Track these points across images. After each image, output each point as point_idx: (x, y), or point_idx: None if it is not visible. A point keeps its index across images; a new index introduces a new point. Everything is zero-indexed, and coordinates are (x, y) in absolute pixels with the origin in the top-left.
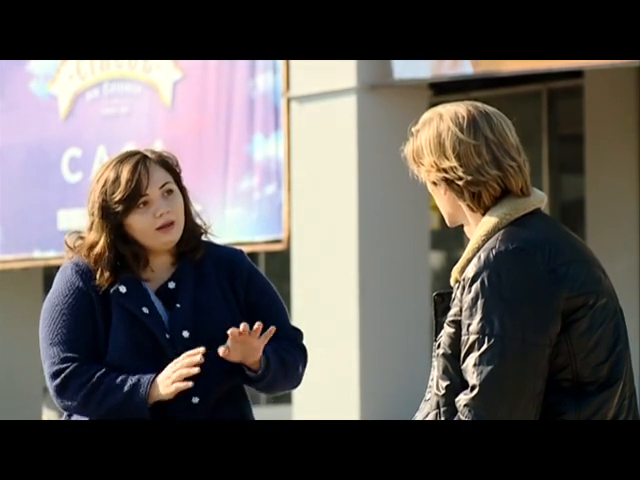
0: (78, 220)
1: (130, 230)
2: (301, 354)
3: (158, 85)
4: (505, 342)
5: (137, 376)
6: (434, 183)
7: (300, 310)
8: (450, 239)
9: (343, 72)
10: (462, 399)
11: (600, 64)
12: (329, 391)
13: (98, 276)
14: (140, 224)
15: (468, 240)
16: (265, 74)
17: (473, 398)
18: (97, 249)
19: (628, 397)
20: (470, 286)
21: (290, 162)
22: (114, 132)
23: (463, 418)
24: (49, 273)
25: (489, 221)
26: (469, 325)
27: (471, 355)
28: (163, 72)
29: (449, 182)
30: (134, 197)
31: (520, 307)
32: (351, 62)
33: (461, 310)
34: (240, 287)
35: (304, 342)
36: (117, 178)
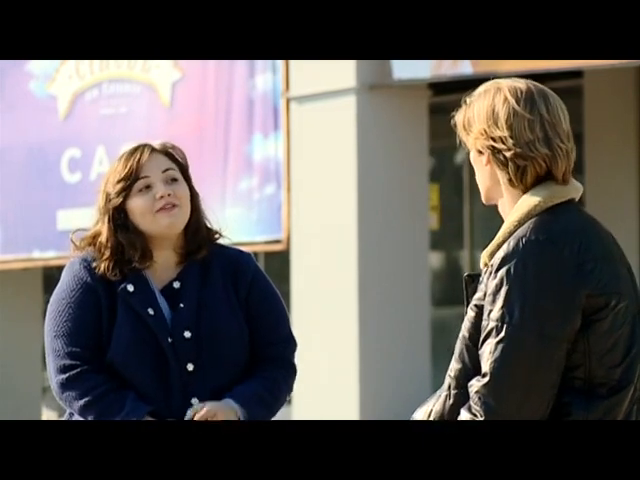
0: (78, 220)
1: (132, 215)
2: (288, 377)
3: (157, 85)
4: (523, 333)
5: (134, 405)
6: (479, 152)
7: (300, 310)
8: (450, 239)
9: (343, 72)
10: (474, 385)
11: (600, 64)
12: (329, 391)
13: (101, 266)
14: (140, 206)
15: (471, 236)
16: (264, 74)
17: (484, 385)
18: (100, 237)
19: (638, 401)
20: (496, 272)
21: (290, 162)
22: (113, 132)
23: (472, 404)
24: (49, 273)
25: (523, 206)
26: (490, 311)
27: (488, 342)
28: (162, 72)
29: (495, 152)
30: (130, 177)
31: (542, 299)
32: (351, 62)
33: (485, 295)
34: (242, 288)
35: (295, 357)
36: (117, 165)
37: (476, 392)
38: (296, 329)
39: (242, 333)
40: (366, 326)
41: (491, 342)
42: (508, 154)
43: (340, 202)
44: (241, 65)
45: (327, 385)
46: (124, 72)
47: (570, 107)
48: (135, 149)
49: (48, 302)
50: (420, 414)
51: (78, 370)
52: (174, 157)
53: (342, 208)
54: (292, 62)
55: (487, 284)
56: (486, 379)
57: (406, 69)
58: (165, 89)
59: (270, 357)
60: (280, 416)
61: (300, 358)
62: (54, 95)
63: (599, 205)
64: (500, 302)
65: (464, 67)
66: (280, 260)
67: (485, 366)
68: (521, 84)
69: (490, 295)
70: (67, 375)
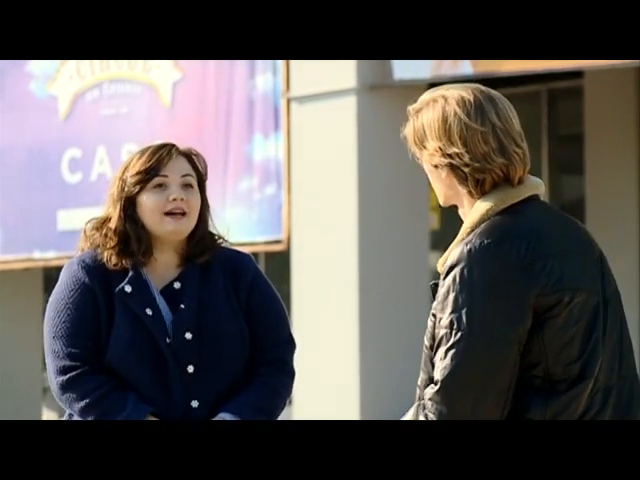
0: (78, 220)
1: (140, 210)
2: (287, 381)
3: (158, 85)
4: (471, 338)
5: (134, 406)
6: (435, 166)
7: (300, 311)
8: (450, 239)
9: (343, 72)
10: (427, 392)
11: (600, 64)
12: (329, 391)
13: (105, 254)
14: (151, 203)
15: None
16: (265, 74)
17: (436, 393)
18: (110, 223)
19: (602, 391)
20: (444, 279)
21: (290, 163)
22: (114, 133)
23: (426, 411)
24: (49, 273)
25: (475, 212)
26: (440, 319)
27: (439, 349)
28: (163, 72)
29: (454, 168)
30: (149, 172)
31: (489, 303)
32: (351, 62)
33: None
34: (242, 290)
35: (294, 359)
36: (140, 157)
37: (429, 399)
38: (296, 329)
39: (242, 334)
40: (366, 326)
41: (442, 349)
42: (467, 169)
43: (340, 202)
44: (241, 65)
45: (327, 385)
46: (125, 72)
47: (570, 107)
48: (162, 146)
49: (48, 302)
50: (408, 416)
51: (78, 371)
52: (195, 164)
53: (342, 208)
54: (292, 62)
55: (438, 292)
56: (437, 386)
57: (406, 69)
58: (166, 89)
59: (269, 359)
60: (280, 416)
61: (300, 358)
62: (54, 95)
63: (599, 205)
64: (449, 309)
65: (464, 67)
66: (280, 260)
67: (436, 373)
68: (467, 93)
69: (440, 303)
70: (67, 376)
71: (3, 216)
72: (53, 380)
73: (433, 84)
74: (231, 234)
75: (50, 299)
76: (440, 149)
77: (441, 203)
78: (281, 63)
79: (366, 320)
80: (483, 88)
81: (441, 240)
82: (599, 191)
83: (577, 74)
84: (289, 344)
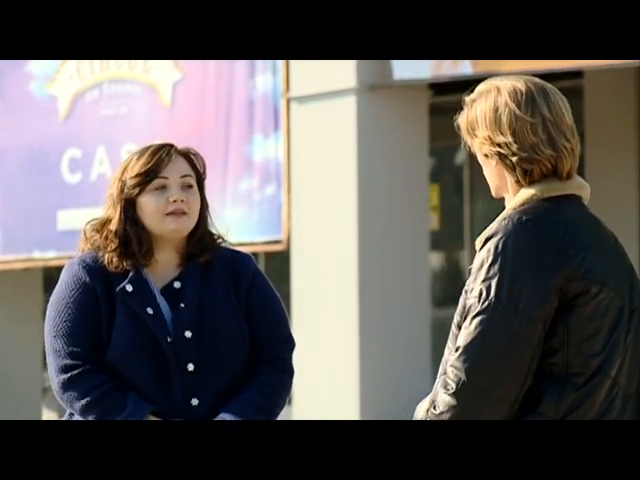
0: (78, 220)
1: (141, 212)
2: (286, 380)
3: (158, 86)
4: (497, 309)
5: (135, 405)
6: (485, 155)
7: (299, 311)
8: (450, 239)
9: (343, 72)
10: (450, 359)
11: (600, 64)
12: (329, 391)
13: (106, 257)
14: (152, 205)
15: (471, 236)
16: (265, 74)
17: (457, 359)
18: (110, 225)
19: (622, 397)
20: (479, 251)
21: (290, 163)
22: (114, 133)
23: (446, 378)
24: (49, 273)
25: (518, 196)
26: (472, 289)
27: (467, 317)
28: (163, 73)
29: (502, 157)
30: (149, 174)
31: (519, 277)
32: (351, 62)
33: None
34: (242, 290)
35: (292, 358)
36: (140, 158)
37: (450, 365)
38: (296, 329)
39: (242, 334)
40: (366, 326)
41: (468, 318)
42: (514, 159)
43: (340, 202)
44: (241, 65)
45: (327, 385)
46: (125, 72)
47: (570, 107)
48: (160, 147)
49: (48, 302)
50: (426, 401)
51: (80, 370)
52: (194, 164)
53: (342, 208)
54: (292, 62)
55: (473, 265)
56: (458, 353)
57: (406, 69)
58: (166, 89)
59: (269, 359)
60: (280, 416)
61: (300, 358)
62: (54, 95)
63: (599, 205)
64: (480, 279)
65: (464, 67)
66: (280, 260)
67: (459, 341)
68: (520, 84)
69: (473, 274)
70: (69, 375)
71: (3, 216)
72: (54, 379)
73: (433, 84)
74: (231, 234)
75: (51, 299)
76: (489, 138)
77: (493, 194)
78: (281, 63)
79: (366, 320)
80: (538, 80)
81: (441, 240)
82: (599, 191)
83: (577, 74)
84: (289, 343)
